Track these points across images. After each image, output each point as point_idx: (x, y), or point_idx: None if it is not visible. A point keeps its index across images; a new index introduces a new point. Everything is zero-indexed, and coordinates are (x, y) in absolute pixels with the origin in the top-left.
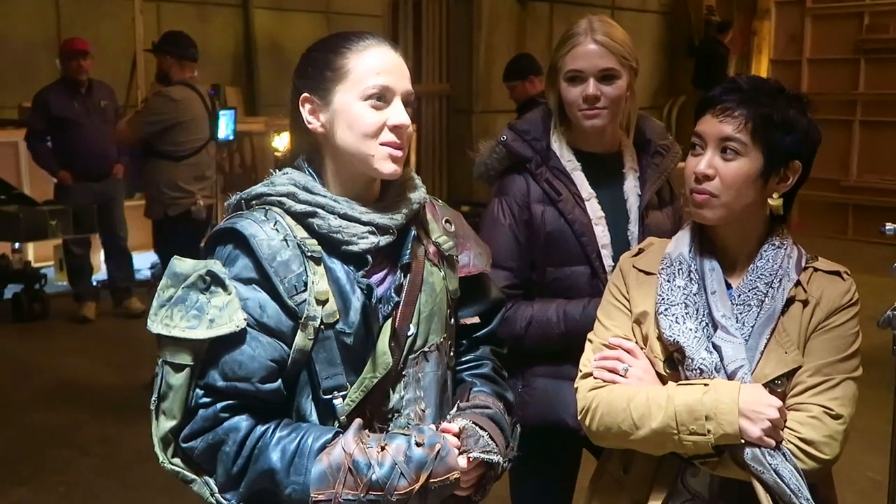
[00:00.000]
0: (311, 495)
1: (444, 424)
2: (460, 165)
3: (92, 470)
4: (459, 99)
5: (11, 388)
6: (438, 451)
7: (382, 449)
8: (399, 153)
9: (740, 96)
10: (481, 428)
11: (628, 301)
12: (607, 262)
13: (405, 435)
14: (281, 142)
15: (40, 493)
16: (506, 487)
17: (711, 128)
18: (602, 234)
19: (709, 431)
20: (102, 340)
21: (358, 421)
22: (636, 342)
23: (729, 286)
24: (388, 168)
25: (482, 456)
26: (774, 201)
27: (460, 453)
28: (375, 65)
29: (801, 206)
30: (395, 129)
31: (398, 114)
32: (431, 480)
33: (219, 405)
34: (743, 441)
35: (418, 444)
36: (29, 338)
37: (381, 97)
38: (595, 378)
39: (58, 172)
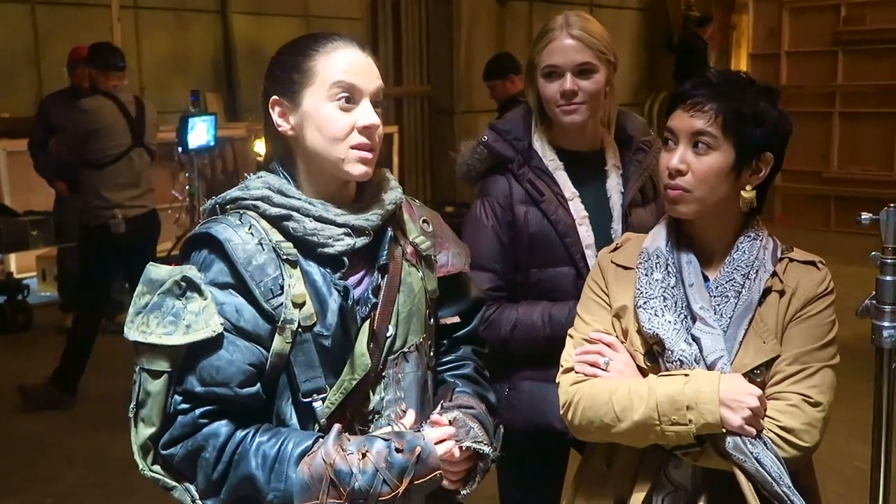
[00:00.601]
0: None
1: (435, 416)
2: (443, 166)
3: (80, 480)
4: (441, 100)
5: None
6: (419, 455)
7: (363, 456)
8: (369, 155)
9: (710, 90)
10: (470, 421)
11: (607, 296)
12: (591, 262)
13: (385, 440)
14: (262, 146)
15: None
16: (494, 489)
17: (682, 122)
18: (586, 234)
19: (690, 421)
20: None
21: (337, 427)
22: (616, 336)
23: (706, 279)
24: (357, 170)
25: (474, 445)
26: (748, 193)
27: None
28: (342, 65)
29: (784, 198)
30: (365, 130)
31: (367, 115)
32: (414, 483)
33: (197, 411)
34: (724, 430)
35: (398, 451)
36: (14, 348)
37: (349, 98)
38: (576, 372)
39: (55, 183)
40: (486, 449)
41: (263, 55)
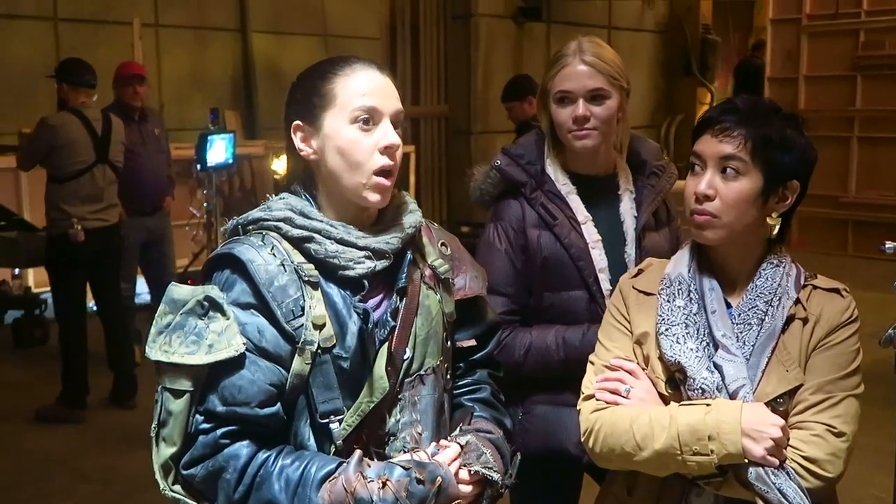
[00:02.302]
0: None
1: (444, 441)
2: (459, 186)
3: (93, 496)
4: (458, 120)
5: (12, 413)
6: (440, 486)
7: (384, 484)
8: (387, 183)
9: (738, 116)
10: (484, 446)
11: (629, 322)
12: (605, 285)
13: (405, 468)
14: (280, 165)
15: None
16: None
17: (710, 147)
18: (599, 257)
19: (712, 451)
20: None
21: (358, 453)
22: (637, 363)
23: (729, 305)
24: (374, 198)
25: (482, 471)
26: (773, 220)
27: (461, 466)
28: (361, 87)
29: (801, 222)
30: (387, 150)
31: (388, 135)
32: None
33: (219, 431)
34: (746, 461)
35: (419, 481)
36: (30, 363)
37: (369, 119)
38: (597, 400)
39: None
40: (496, 476)
41: (282, 74)
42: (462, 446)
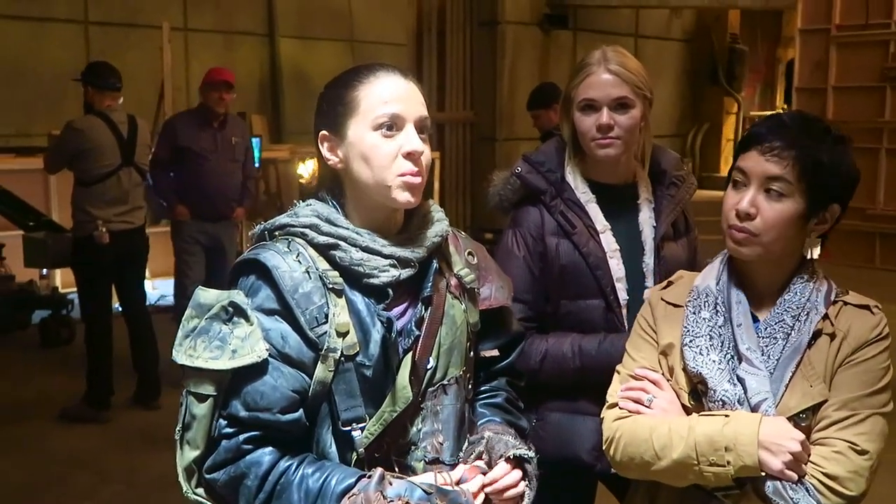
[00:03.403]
0: None
1: (474, 464)
2: (484, 193)
3: (115, 497)
4: (483, 127)
5: (37, 412)
6: None
7: None
8: (415, 181)
9: (788, 135)
10: (504, 433)
11: (655, 333)
12: (622, 295)
13: (427, 493)
14: (306, 169)
15: None
16: None
17: (757, 165)
18: (617, 267)
19: (728, 463)
20: (129, 366)
21: (379, 471)
22: (662, 374)
23: (756, 319)
24: (404, 197)
25: (517, 452)
26: (813, 243)
27: (500, 458)
28: (384, 94)
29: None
30: (410, 156)
31: (411, 140)
32: None
33: (241, 436)
34: (764, 474)
35: None
36: (56, 363)
37: (392, 125)
38: (620, 408)
39: (175, 207)
40: (529, 453)
41: (309, 79)
42: (483, 473)
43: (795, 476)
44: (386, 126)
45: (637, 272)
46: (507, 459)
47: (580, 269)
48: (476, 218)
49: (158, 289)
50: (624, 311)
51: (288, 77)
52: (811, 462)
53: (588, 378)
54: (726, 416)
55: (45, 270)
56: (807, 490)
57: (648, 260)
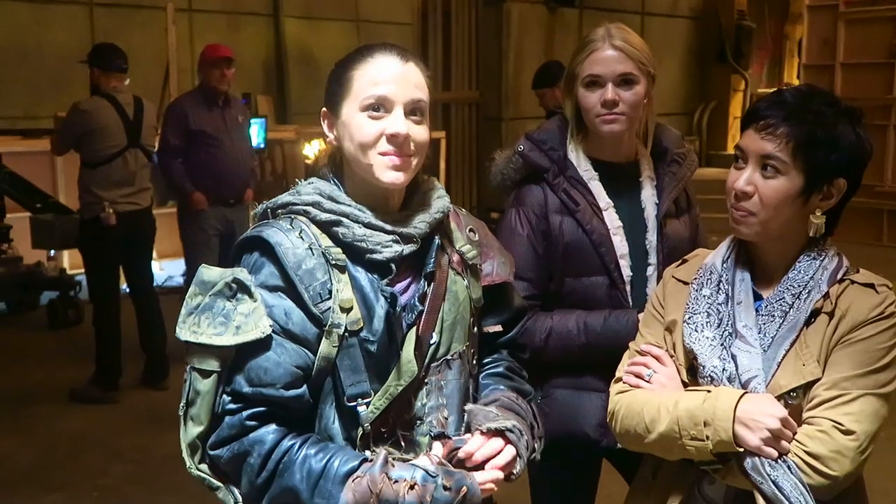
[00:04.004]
0: None
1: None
2: (490, 172)
3: (125, 476)
4: (489, 106)
5: (47, 394)
6: (464, 495)
7: (411, 487)
8: (398, 160)
9: (784, 112)
10: (486, 406)
11: (664, 309)
12: (625, 272)
13: (433, 475)
14: (311, 149)
15: (74, 499)
16: (527, 496)
17: (753, 143)
18: (620, 244)
19: (707, 437)
20: (136, 347)
21: (384, 453)
22: (666, 350)
23: (760, 297)
24: (388, 177)
25: (493, 425)
26: (817, 219)
27: (474, 430)
28: (375, 76)
29: None
30: (392, 139)
31: (395, 123)
32: None
33: (245, 412)
34: (742, 449)
35: (446, 488)
36: (64, 344)
37: (379, 107)
38: (623, 382)
39: (191, 194)
40: (507, 423)
41: (314, 59)
42: (483, 433)
43: (774, 453)
44: (372, 108)
45: (640, 249)
46: (483, 432)
47: (584, 246)
48: (482, 197)
49: (165, 270)
50: (628, 288)
51: (293, 57)
52: (795, 440)
53: (593, 354)
54: (708, 391)
55: (52, 252)
56: (788, 468)
57: (651, 237)
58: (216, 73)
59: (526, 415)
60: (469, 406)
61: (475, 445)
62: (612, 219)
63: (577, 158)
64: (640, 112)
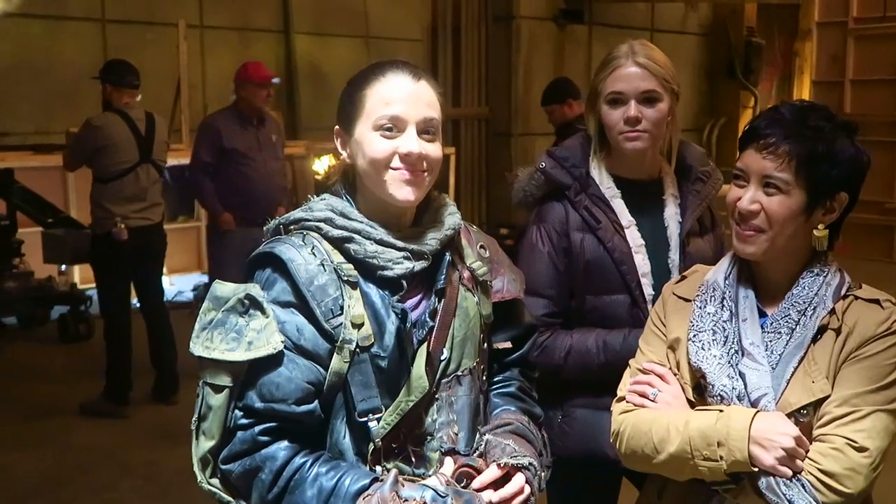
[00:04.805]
0: None
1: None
2: (499, 188)
3: (135, 491)
4: (498, 122)
5: (57, 408)
6: None
7: None
8: (411, 177)
9: (784, 130)
10: (504, 439)
11: (665, 327)
12: (647, 290)
13: (442, 495)
14: (321, 165)
15: None
16: None
17: (754, 163)
18: (642, 262)
19: (721, 458)
20: (147, 362)
21: (394, 472)
22: (670, 368)
23: (765, 314)
24: (401, 194)
25: (511, 461)
26: (820, 233)
27: (490, 462)
28: (387, 95)
29: (845, 228)
30: (405, 158)
31: (408, 142)
32: None
33: (257, 428)
34: (756, 469)
35: None
36: (74, 358)
37: (392, 127)
38: (627, 402)
39: (220, 215)
40: (526, 460)
41: (324, 75)
42: (500, 466)
43: (789, 472)
44: (385, 128)
45: (662, 268)
46: (500, 465)
47: (605, 264)
48: (492, 213)
49: (176, 285)
50: (649, 307)
51: (303, 73)
52: (808, 458)
53: (613, 373)
54: (720, 410)
55: (63, 266)
56: (802, 486)
57: (674, 255)
58: (262, 93)
59: (537, 442)
60: (487, 436)
61: (490, 477)
62: (634, 237)
63: (600, 176)
64: (663, 129)
